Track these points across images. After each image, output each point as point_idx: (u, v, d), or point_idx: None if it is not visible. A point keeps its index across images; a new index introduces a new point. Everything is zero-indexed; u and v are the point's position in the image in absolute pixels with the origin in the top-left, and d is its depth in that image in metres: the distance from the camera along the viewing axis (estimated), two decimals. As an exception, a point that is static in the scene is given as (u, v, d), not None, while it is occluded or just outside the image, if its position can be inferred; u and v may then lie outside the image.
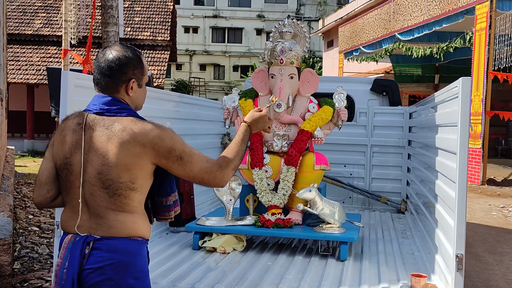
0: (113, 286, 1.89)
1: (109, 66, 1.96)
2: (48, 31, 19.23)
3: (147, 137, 1.91)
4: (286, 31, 4.07)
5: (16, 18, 19.66)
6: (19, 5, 20.37)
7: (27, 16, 19.92)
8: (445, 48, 14.53)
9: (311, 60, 34.58)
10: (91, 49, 18.41)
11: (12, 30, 18.70)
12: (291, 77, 3.95)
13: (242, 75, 37.76)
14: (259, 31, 39.54)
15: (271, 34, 4.23)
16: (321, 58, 32.89)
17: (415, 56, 15.69)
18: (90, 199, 1.93)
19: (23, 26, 19.34)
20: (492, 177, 12.75)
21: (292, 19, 4.25)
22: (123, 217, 1.93)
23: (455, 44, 14.05)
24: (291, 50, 3.96)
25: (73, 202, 1.96)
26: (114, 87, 1.98)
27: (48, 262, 5.11)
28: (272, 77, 4.00)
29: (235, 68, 40.16)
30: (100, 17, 6.02)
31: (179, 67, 38.94)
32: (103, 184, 1.90)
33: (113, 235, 1.92)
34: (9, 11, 19.84)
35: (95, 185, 1.91)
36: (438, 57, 15.11)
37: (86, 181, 1.92)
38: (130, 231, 1.95)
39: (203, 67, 40.08)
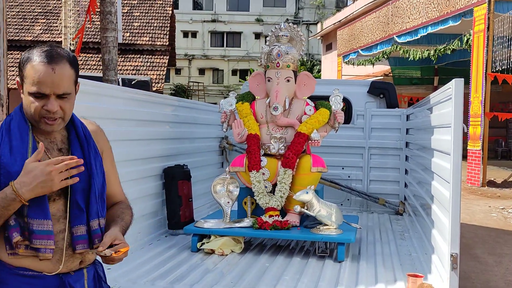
0: None
1: None
2: (48, 37, 19.28)
3: None
4: (283, 35, 4.11)
5: (16, 24, 19.72)
6: (18, 12, 20.44)
7: (27, 22, 19.98)
8: (442, 50, 14.55)
9: (310, 63, 34.63)
10: (91, 55, 18.60)
11: (12, 36, 18.75)
12: (288, 80, 3.99)
13: (240, 79, 37.75)
14: (257, 35, 39.61)
15: (267, 38, 4.27)
16: (320, 61, 32.94)
17: (413, 59, 15.72)
18: None
19: (23, 32, 19.40)
20: (492, 178, 12.74)
21: (288, 23, 4.29)
22: None
23: (453, 46, 14.07)
24: (287, 54, 4.00)
25: None
26: None
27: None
28: (268, 80, 4.03)
29: (234, 72, 40.20)
30: (99, 23, 6.06)
31: (178, 71, 38.98)
32: None
33: None
34: (9, 17, 19.90)
35: None
36: (434, 59, 15.14)
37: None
38: None
39: (202, 71, 40.13)
